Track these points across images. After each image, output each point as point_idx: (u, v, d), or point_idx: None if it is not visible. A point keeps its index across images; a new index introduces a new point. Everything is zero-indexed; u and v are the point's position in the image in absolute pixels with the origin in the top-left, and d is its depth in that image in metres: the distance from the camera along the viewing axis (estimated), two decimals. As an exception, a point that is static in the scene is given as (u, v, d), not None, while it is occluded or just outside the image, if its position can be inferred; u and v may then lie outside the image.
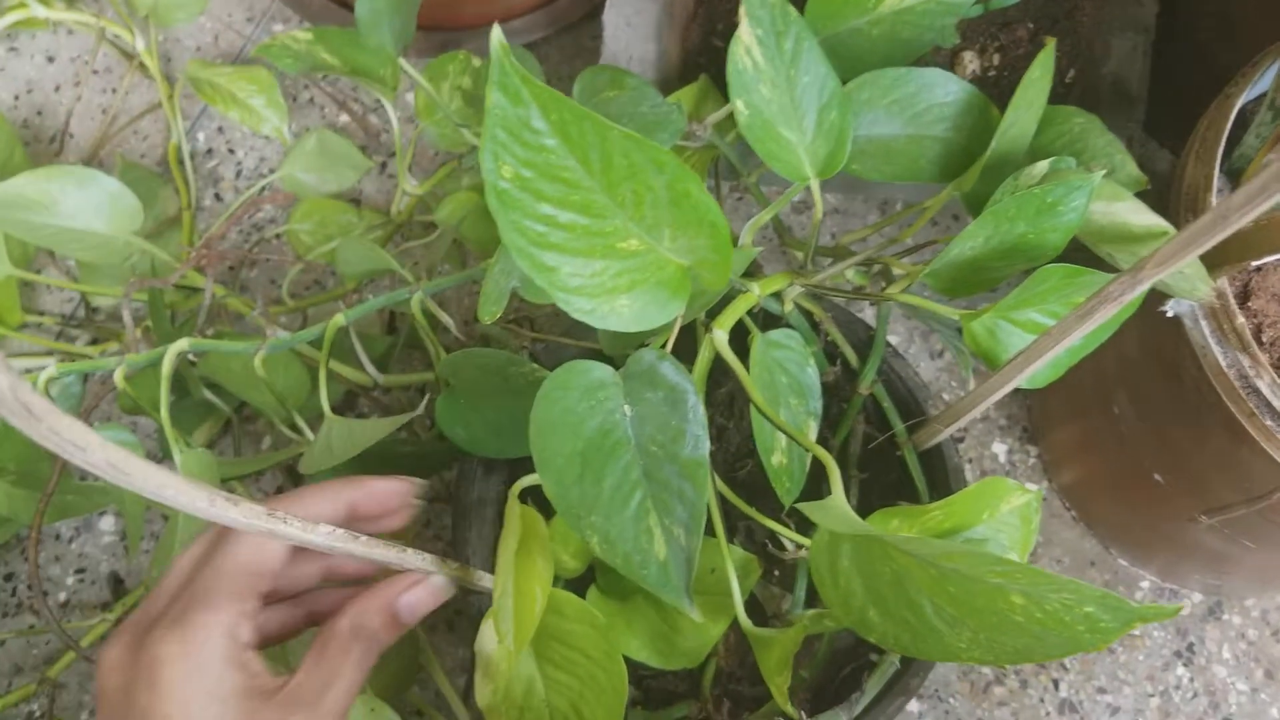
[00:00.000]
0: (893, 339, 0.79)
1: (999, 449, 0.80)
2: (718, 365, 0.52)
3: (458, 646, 0.76)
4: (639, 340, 0.54)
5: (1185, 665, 0.75)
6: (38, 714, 0.76)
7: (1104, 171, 0.49)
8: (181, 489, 0.33)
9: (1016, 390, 0.82)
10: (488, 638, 0.52)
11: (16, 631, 0.76)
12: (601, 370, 0.48)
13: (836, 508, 0.44)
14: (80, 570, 0.79)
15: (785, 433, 0.50)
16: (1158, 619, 0.38)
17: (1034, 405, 0.80)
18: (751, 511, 0.55)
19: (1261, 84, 0.61)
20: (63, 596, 0.79)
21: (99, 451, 0.29)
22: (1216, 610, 0.77)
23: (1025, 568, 0.40)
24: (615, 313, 0.43)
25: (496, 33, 0.37)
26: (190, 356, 0.68)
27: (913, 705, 0.75)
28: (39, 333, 0.84)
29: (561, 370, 0.47)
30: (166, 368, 0.59)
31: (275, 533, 0.38)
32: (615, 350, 0.55)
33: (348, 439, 0.56)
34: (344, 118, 0.89)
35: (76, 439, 0.28)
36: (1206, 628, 0.76)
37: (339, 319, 0.61)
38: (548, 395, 0.47)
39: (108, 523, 0.80)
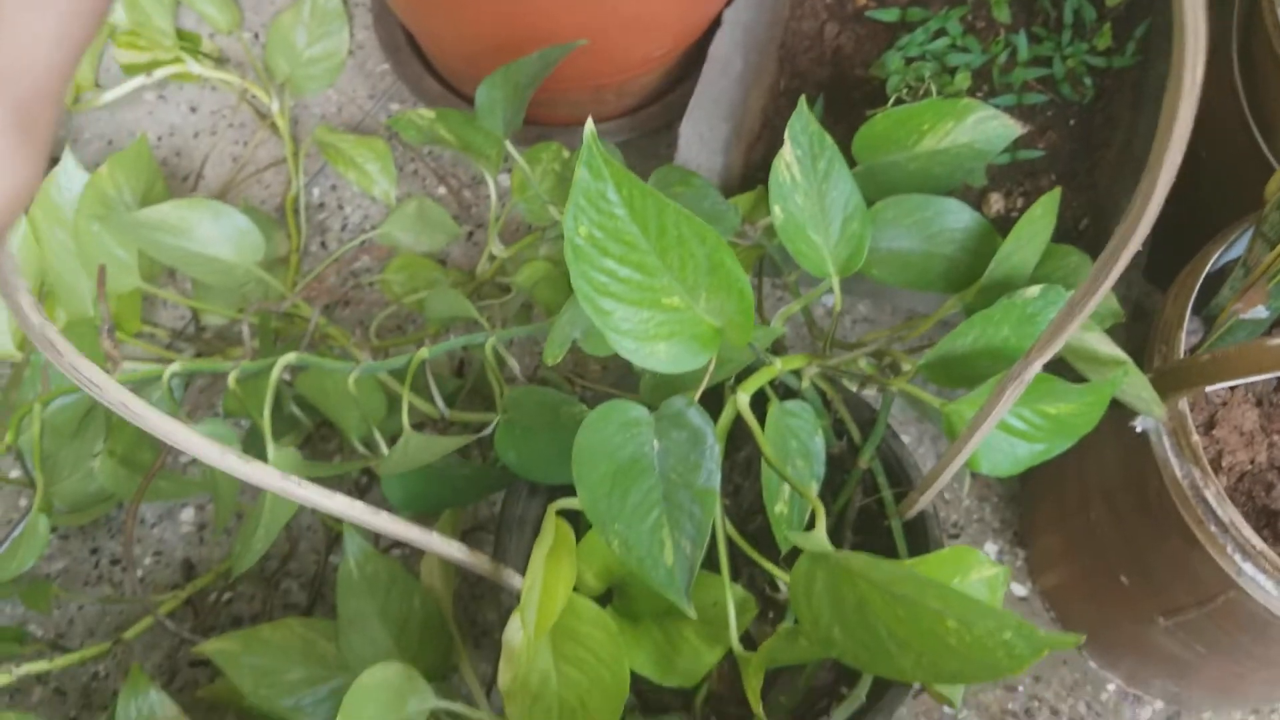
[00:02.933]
0: (905, 439, 0.88)
1: (990, 549, 0.88)
2: (739, 431, 0.61)
3: (481, 662, 0.85)
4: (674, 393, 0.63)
5: (1142, 768, 0.81)
6: (103, 674, 0.85)
7: (1071, 294, 0.58)
8: (180, 430, 0.43)
9: (1012, 497, 0.91)
10: (514, 629, 0.61)
11: (98, 599, 0.86)
12: (638, 410, 0.57)
13: (817, 539, 0.53)
14: (158, 553, 0.89)
15: (788, 482, 0.59)
16: (1059, 647, 0.47)
17: (1024, 512, 0.88)
18: (755, 555, 0.64)
19: (1238, 247, 0.70)
20: (139, 574, 0.88)
21: (113, 391, 0.39)
22: (1175, 719, 0.83)
23: (959, 594, 0.48)
24: (655, 355, 0.53)
25: (590, 125, 0.47)
26: (285, 376, 0.78)
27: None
28: (152, 342, 0.95)
29: (606, 406, 0.57)
30: (275, 374, 0.70)
31: (292, 493, 0.48)
32: (653, 401, 0.65)
33: (422, 449, 0.65)
34: (441, 190, 1.01)
35: (92, 377, 0.39)
36: (1166, 736, 0.82)
37: (423, 352, 0.71)
38: (591, 424, 0.56)
39: (188, 514, 0.90)
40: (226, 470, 0.47)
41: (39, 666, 0.77)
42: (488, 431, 0.68)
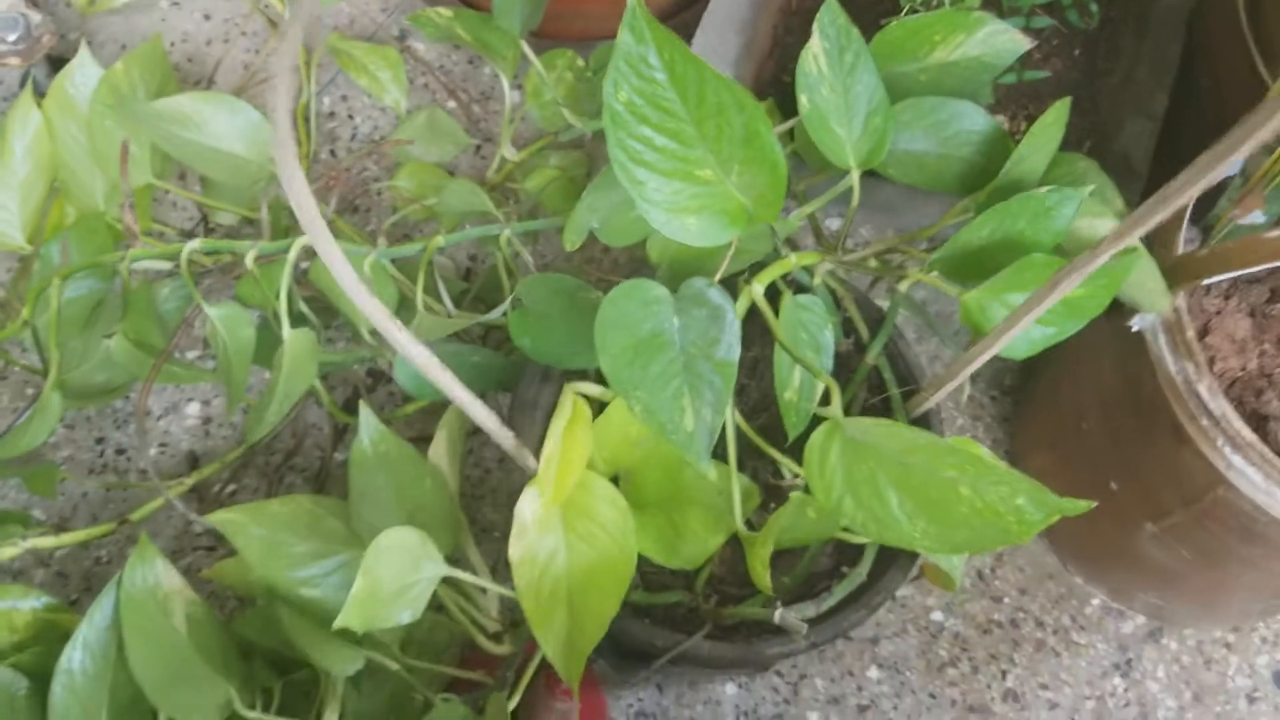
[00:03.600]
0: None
1: (981, 466, 0.90)
2: (748, 332, 0.62)
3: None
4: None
5: (1122, 677, 0.84)
6: (105, 559, 0.86)
7: (1091, 188, 0.60)
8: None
9: (1005, 418, 0.93)
10: (527, 501, 0.62)
11: (104, 484, 0.87)
12: (660, 290, 0.59)
13: (833, 412, 0.55)
14: (163, 445, 0.90)
15: (801, 364, 0.61)
16: (1070, 512, 0.49)
17: (1017, 432, 0.91)
18: (761, 443, 0.66)
19: (1234, 166, 0.72)
20: (142, 465, 0.89)
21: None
22: (1157, 634, 0.86)
23: (974, 458, 0.51)
24: (684, 229, 0.55)
25: (634, -15, 0.48)
26: (298, 270, 0.79)
27: (873, 672, 0.84)
28: (161, 240, 0.95)
29: (628, 284, 0.58)
30: (292, 254, 0.71)
31: (394, 336, 0.49)
32: (670, 287, 0.66)
33: (435, 326, 0.67)
34: (451, 104, 1.01)
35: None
36: (1145, 648, 0.85)
37: (438, 240, 0.73)
38: (614, 300, 0.58)
39: (193, 408, 0.91)
40: (372, 316, 0.46)
41: (46, 541, 0.78)
42: (497, 315, 0.69)
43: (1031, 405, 0.91)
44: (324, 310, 0.86)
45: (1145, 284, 0.62)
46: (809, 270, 0.69)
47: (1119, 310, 0.68)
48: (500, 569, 0.81)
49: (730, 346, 0.56)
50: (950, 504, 0.51)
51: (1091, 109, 0.88)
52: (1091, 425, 0.77)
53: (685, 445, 0.55)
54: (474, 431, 0.92)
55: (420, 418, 0.88)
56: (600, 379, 0.64)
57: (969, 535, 0.52)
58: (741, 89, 0.50)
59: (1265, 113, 0.35)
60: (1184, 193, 0.45)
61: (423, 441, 0.73)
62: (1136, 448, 0.72)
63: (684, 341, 0.58)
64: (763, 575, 0.59)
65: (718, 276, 0.61)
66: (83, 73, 0.91)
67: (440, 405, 0.84)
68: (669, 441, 0.55)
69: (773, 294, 0.64)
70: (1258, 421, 0.68)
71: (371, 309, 0.45)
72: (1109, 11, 0.90)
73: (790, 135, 0.76)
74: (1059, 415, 0.83)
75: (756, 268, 0.65)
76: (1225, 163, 0.39)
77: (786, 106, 0.75)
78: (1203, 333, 0.70)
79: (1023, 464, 0.90)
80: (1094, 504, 0.48)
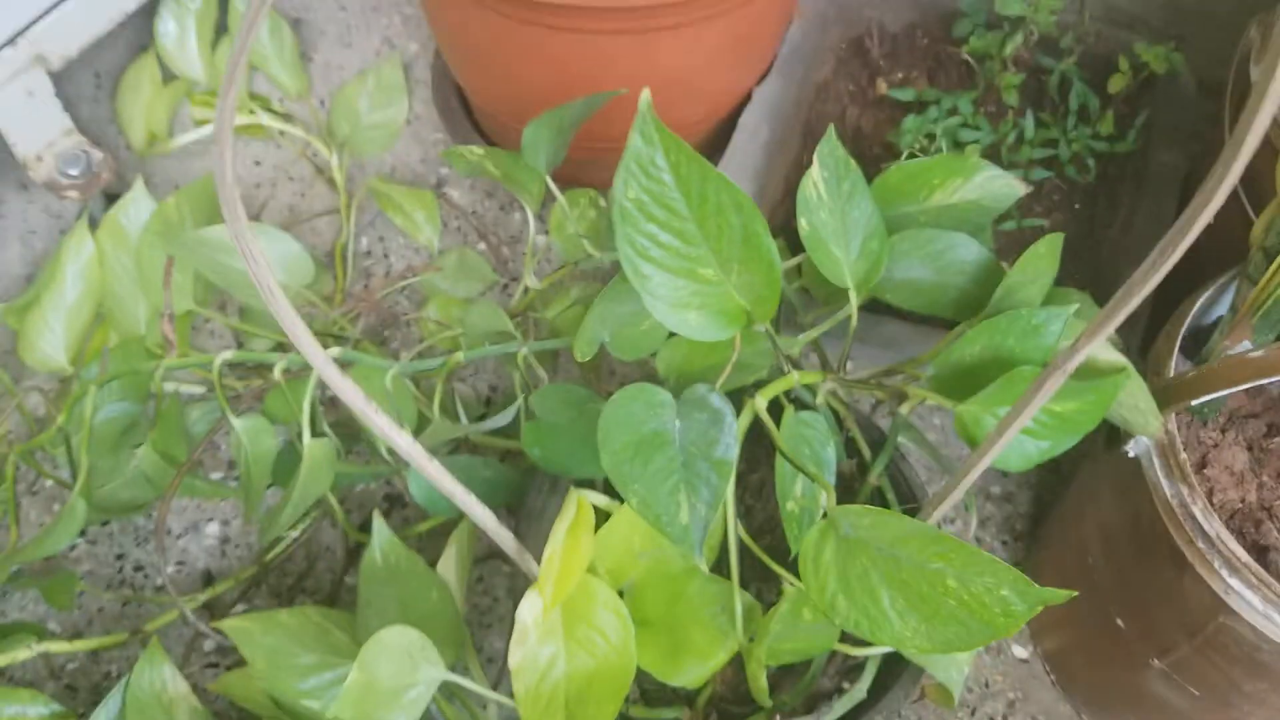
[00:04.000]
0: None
1: (991, 607, 0.90)
2: (753, 454, 0.64)
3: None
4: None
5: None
6: (115, 674, 0.87)
7: (1076, 306, 0.63)
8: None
9: (1015, 562, 0.93)
10: (528, 605, 0.63)
11: (120, 597, 0.88)
12: (664, 394, 0.62)
13: (831, 505, 0.56)
14: (181, 562, 0.91)
15: (801, 470, 0.62)
16: (1052, 601, 0.49)
17: (1026, 571, 0.90)
18: (764, 556, 0.67)
19: (1225, 304, 0.75)
20: (158, 581, 0.91)
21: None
22: (1173, 787, 0.83)
23: (957, 545, 0.52)
24: (686, 323, 0.58)
25: (645, 95, 0.53)
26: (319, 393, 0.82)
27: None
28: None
29: (632, 387, 0.61)
30: (320, 363, 0.74)
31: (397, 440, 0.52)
32: (675, 391, 0.69)
33: (443, 429, 0.69)
34: (481, 246, 1.07)
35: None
36: (1162, 801, 0.83)
37: (459, 356, 0.76)
38: (618, 401, 0.60)
39: (213, 528, 0.93)
40: (368, 419, 0.48)
41: (59, 646, 0.79)
42: (507, 420, 0.72)
43: (1041, 549, 0.91)
44: (349, 436, 0.89)
45: (1137, 404, 0.64)
46: (811, 390, 0.71)
47: (1116, 439, 0.70)
48: (502, 688, 0.81)
49: (728, 447, 0.58)
50: (938, 598, 0.52)
51: (1092, 258, 0.91)
52: (1097, 561, 0.77)
53: (679, 538, 0.56)
54: (484, 558, 0.93)
55: (431, 541, 0.89)
56: (607, 490, 0.66)
57: (958, 631, 0.52)
58: (739, 190, 0.54)
59: (1215, 178, 0.38)
60: (1149, 280, 0.47)
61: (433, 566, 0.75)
62: (1140, 579, 0.72)
63: (684, 441, 0.60)
64: (759, 677, 0.59)
65: (719, 383, 0.63)
66: (136, 205, 0.97)
67: (451, 525, 0.86)
68: (664, 534, 0.56)
69: (776, 411, 0.67)
70: (1259, 552, 0.68)
71: (376, 418, 0.47)
72: (1107, 169, 0.94)
73: (798, 271, 0.80)
74: (1067, 555, 0.83)
75: (759, 385, 0.67)
76: (1183, 244, 0.42)
77: (796, 248, 0.79)
78: (1201, 465, 0.71)
79: (1033, 607, 0.89)
80: (1074, 593, 0.49)
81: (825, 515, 0.57)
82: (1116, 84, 0.91)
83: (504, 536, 0.66)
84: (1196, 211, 0.40)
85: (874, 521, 0.54)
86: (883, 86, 0.99)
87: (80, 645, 0.80)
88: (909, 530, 0.54)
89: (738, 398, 0.69)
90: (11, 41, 0.94)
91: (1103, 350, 0.65)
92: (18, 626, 0.86)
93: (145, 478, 0.85)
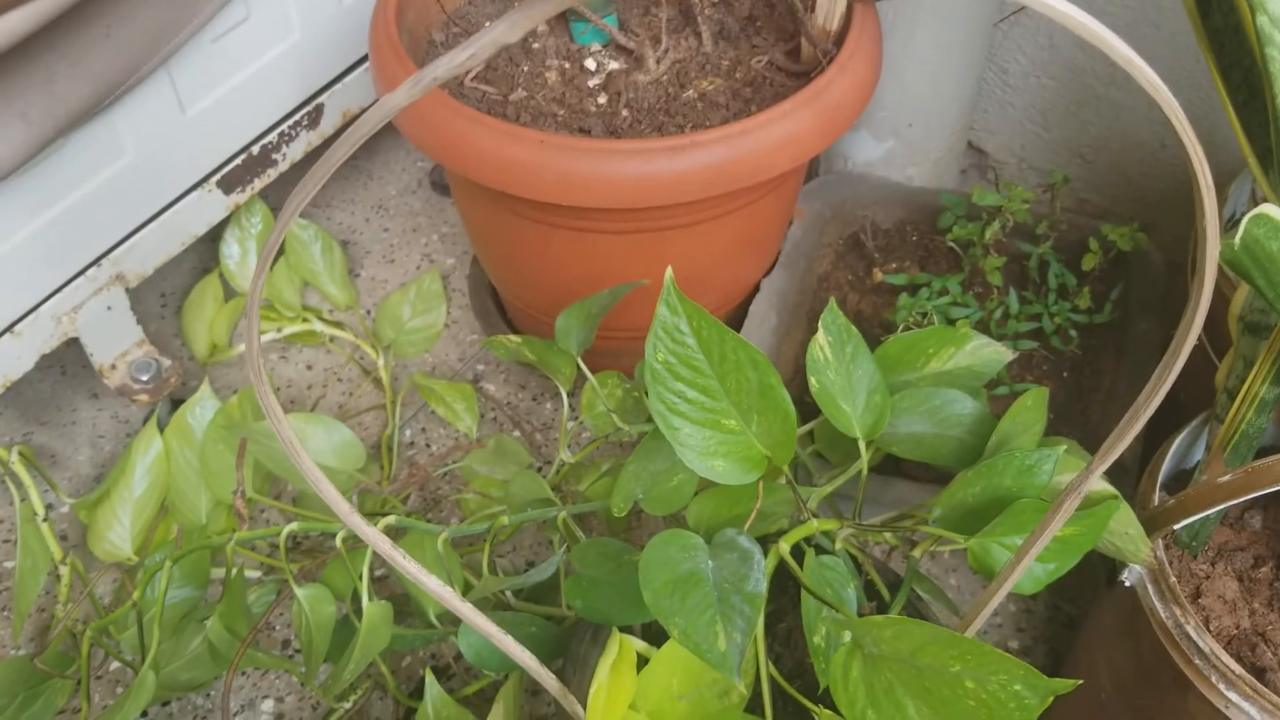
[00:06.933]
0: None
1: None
2: (779, 606, 0.70)
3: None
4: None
5: None
6: None
7: (1066, 446, 0.70)
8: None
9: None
10: (577, 744, 0.68)
11: (179, 771, 0.92)
12: (696, 538, 0.69)
13: (852, 620, 0.62)
14: (237, 738, 0.96)
15: (826, 603, 0.68)
16: (1062, 690, 0.55)
17: (1045, 718, 0.94)
18: (793, 691, 0.72)
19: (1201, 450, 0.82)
20: (217, 758, 0.95)
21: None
22: None
23: (972, 645, 0.57)
24: (713, 469, 0.65)
25: (669, 274, 0.62)
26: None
27: None
28: (255, 551, 1.06)
29: (668, 532, 0.68)
30: (375, 533, 0.81)
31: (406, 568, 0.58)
32: (706, 539, 0.75)
33: (492, 583, 0.75)
34: (516, 433, 1.15)
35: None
36: None
37: (503, 519, 0.83)
38: (656, 545, 0.67)
39: (268, 705, 0.98)
40: (419, 581, 0.56)
41: (123, 816, 0.83)
42: (549, 572, 0.78)
43: (1058, 697, 0.95)
44: (401, 612, 0.95)
45: (1127, 530, 0.70)
46: (830, 537, 0.78)
47: (1114, 576, 0.76)
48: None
49: (758, 582, 0.65)
50: (959, 700, 0.57)
51: (1082, 422, 0.99)
52: (1109, 695, 0.81)
53: (719, 664, 0.62)
54: (528, 724, 0.97)
55: (476, 708, 0.93)
56: (645, 636, 0.71)
57: (979, 733, 0.57)
58: (755, 349, 0.62)
59: (1180, 339, 0.46)
60: (1137, 421, 0.55)
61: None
62: (1149, 707, 0.76)
63: (717, 578, 0.66)
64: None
65: (746, 527, 0.70)
66: (202, 405, 1.06)
67: (495, 690, 0.90)
68: (704, 660, 0.62)
69: (798, 557, 0.73)
70: (1257, 673, 0.73)
71: (426, 580, 0.55)
72: (1089, 339, 1.03)
73: (811, 437, 0.87)
74: (1081, 696, 0.87)
75: (781, 533, 0.74)
76: (1163, 390, 0.50)
77: (808, 418, 0.87)
78: (1195, 595, 0.76)
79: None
80: (1079, 681, 0.54)
81: (850, 638, 0.63)
82: (1089, 262, 1.01)
83: (548, 679, 0.71)
84: (1179, 345, 0.48)
85: (895, 633, 0.60)
86: (878, 275, 1.10)
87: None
88: (929, 637, 0.59)
89: (762, 544, 0.76)
90: (96, 262, 1.06)
91: (1096, 484, 0.72)
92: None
93: (209, 651, 0.90)
